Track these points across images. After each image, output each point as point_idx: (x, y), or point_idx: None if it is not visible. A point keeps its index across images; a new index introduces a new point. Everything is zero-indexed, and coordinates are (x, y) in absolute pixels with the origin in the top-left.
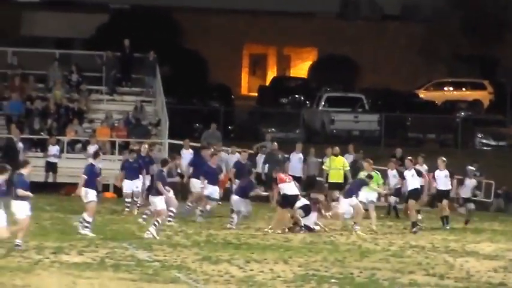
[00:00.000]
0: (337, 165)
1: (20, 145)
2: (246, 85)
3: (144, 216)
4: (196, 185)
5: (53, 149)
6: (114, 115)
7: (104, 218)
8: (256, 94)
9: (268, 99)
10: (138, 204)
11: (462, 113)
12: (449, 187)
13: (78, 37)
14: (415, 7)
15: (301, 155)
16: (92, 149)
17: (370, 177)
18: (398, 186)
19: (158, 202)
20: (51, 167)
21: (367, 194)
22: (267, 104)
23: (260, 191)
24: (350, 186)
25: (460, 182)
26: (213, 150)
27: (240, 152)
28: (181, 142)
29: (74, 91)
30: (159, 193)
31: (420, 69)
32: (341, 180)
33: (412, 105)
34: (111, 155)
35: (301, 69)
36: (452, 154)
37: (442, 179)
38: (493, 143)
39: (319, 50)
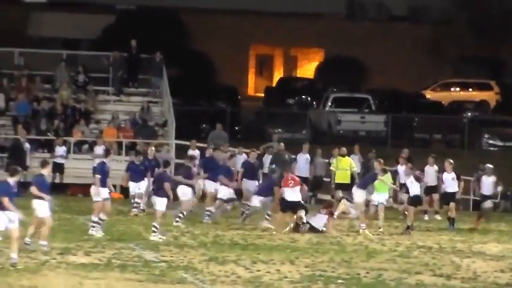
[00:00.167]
0: (344, 166)
1: (27, 146)
2: (253, 86)
3: (177, 219)
4: (210, 186)
5: (60, 150)
6: (120, 116)
7: (111, 219)
8: (262, 95)
9: (274, 99)
10: (141, 207)
11: (469, 114)
12: (456, 189)
13: (85, 38)
14: (422, 8)
15: (308, 156)
16: (98, 149)
17: (384, 171)
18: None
19: (159, 203)
20: (58, 168)
21: (379, 196)
22: (274, 105)
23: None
24: (365, 178)
25: (477, 180)
26: (227, 151)
27: (247, 153)
28: (188, 143)
29: (80, 92)
30: (162, 194)
31: (427, 70)
32: (348, 181)
33: (418, 105)
34: (117, 156)
35: (307, 70)
36: (459, 155)
37: (449, 182)
38: (499, 143)
39: (326, 51)
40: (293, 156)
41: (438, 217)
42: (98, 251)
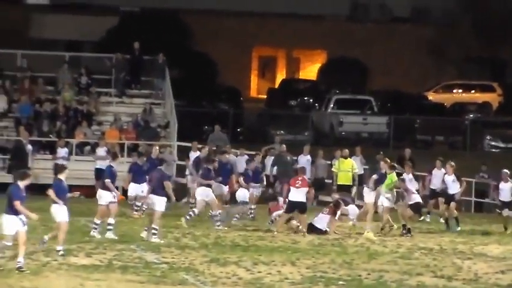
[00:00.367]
0: (345, 168)
1: (29, 147)
2: (255, 87)
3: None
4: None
5: (62, 152)
6: (123, 117)
7: None
8: (265, 96)
9: (277, 101)
10: (143, 208)
11: (471, 115)
12: (457, 191)
13: (88, 40)
14: (425, 9)
15: (309, 157)
16: (100, 151)
17: (393, 167)
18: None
19: (158, 203)
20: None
21: (384, 199)
22: (276, 106)
23: None
24: (377, 178)
25: (495, 187)
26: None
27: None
28: (190, 144)
29: (83, 93)
30: (161, 193)
31: (430, 72)
32: (349, 183)
33: (421, 107)
34: (120, 157)
35: (310, 71)
36: (461, 156)
37: (450, 183)
38: (502, 145)
39: (329, 53)
40: (295, 158)
41: (442, 220)
42: (99, 253)
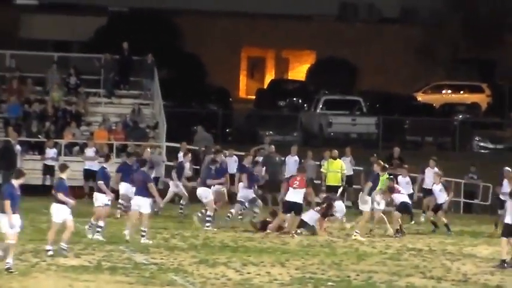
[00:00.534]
0: (335, 168)
1: (18, 148)
2: (244, 88)
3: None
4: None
5: (51, 152)
6: (111, 118)
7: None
8: (254, 97)
9: (266, 102)
10: (123, 208)
11: (460, 116)
12: (444, 200)
13: (77, 40)
14: (413, 10)
15: (296, 158)
16: (89, 151)
17: (384, 169)
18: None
19: (145, 204)
20: (48, 170)
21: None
22: (265, 107)
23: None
24: (372, 180)
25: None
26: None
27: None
28: (179, 145)
29: (72, 94)
30: (146, 195)
31: (419, 72)
32: (338, 183)
33: (410, 108)
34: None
35: (299, 72)
36: (450, 157)
37: (437, 193)
38: (490, 146)
39: (318, 53)
40: (283, 159)
41: (422, 218)
42: (88, 253)
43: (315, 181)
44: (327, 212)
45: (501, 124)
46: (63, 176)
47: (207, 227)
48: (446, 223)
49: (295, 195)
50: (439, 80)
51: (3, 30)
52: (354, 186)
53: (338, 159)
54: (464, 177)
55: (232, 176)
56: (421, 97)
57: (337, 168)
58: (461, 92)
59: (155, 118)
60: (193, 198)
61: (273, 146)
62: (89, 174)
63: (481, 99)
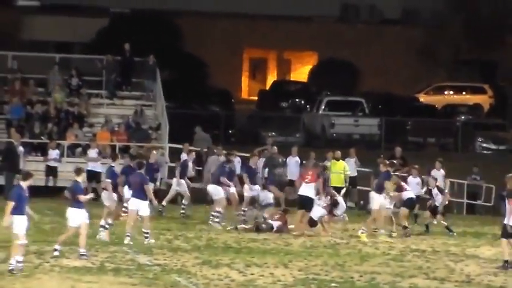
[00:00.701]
0: (338, 169)
1: (21, 149)
2: (246, 89)
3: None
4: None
5: (53, 153)
6: (114, 119)
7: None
8: (256, 98)
9: (268, 103)
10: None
11: (462, 117)
12: (438, 203)
13: (79, 41)
14: (415, 11)
15: (297, 158)
16: (92, 153)
17: (392, 165)
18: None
19: (143, 207)
20: (51, 171)
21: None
22: (267, 108)
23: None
24: (379, 181)
25: None
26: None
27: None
28: (181, 146)
29: (74, 95)
30: (144, 197)
31: (421, 73)
32: (342, 184)
33: (412, 109)
34: (111, 159)
35: (301, 73)
36: (453, 158)
37: (434, 196)
38: (493, 147)
39: (319, 54)
40: (285, 160)
41: (435, 221)
42: (91, 254)
43: None
44: (331, 209)
45: (503, 125)
46: (79, 179)
47: (216, 222)
48: (447, 226)
49: (306, 189)
50: (440, 81)
51: (5, 32)
52: (358, 187)
53: (341, 160)
54: (467, 178)
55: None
56: (423, 98)
57: (340, 169)
58: (464, 93)
59: (157, 119)
60: (195, 199)
61: (275, 147)
62: (91, 176)
63: (483, 100)
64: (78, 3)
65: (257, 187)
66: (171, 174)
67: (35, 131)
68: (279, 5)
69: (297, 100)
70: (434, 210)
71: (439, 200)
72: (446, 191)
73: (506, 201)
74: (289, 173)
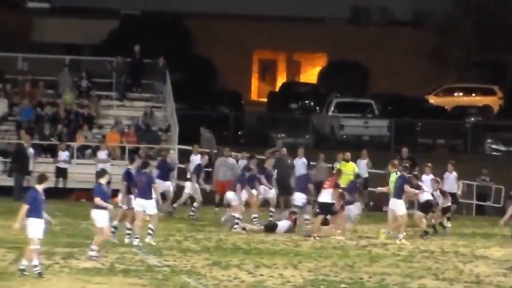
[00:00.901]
0: (347, 171)
1: (31, 151)
2: (256, 91)
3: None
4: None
5: (63, 155)
6: (124, 121)
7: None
8: (266, 100)
9: (277, 104)
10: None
11: (472, 119)
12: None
13: (89, 43)
14: (426, 13)
15: (304, 160)
16: (101, 154)
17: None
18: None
19: (151, 206)
20: (61, 173)
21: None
22: (277, 110)
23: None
24: (398, 185)
25: None
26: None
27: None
28: (191, 148)
29: (84, 97)
30: (150, 197)
31: (431, 75)
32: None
33: (422, 110)
34: (120, 161)
35: (311, 74)
36: (462, 159)
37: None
38: (502, 148)
39: (329, 56)
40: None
41: (448, 224)
42: (101, 256)
43: None
44: (343, 205)
45: None
46: (102, 181)
47: (235, 229)
48: (434, 224)
49: (325, 195)
50: (451, 83)
51: (16, 34)
52: (369, 189)
53: (351, 161)
54: (477, 179)
55: None
56: (433, 100)
57: (350, 170)
58: (473, 94)
59: (167, 121)
60: (204, 201)
61: (284, 149)
62: None
63: (493, 101)
64: (89, 5)
65: (272, 189)
66: (180, 176)
67: (45, 132)
68: (289, 7)
69: (307, 102)
70: (444, 210)
71: (440, 202)
72: (459, 192)
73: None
74: (297, 174)
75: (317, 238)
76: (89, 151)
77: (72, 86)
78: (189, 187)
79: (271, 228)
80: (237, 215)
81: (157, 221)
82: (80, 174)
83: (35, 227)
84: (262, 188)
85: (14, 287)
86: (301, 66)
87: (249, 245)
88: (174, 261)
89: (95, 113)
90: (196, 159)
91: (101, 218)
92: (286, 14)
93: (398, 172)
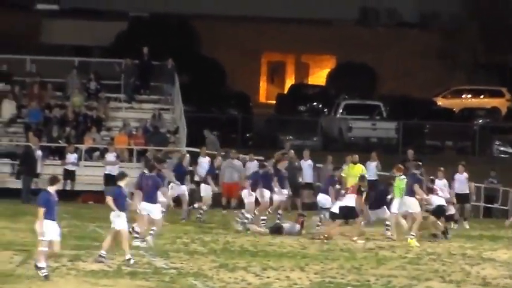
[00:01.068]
0: (355, 173)
1: (39, 153)
2: (264, 93)
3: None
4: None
5: (71, 157)
6: (132, 123)
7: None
8: (274, 102)
9: (286, 107)
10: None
11: (480, 121)
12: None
13: (97, 45)
14: (433, 15)
15: (310, 162)
16: (110, 156)
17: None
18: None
19: (155, 210)
20: (69, 175)
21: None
22: (285, 112)
23: None
24: (409, 184)
25: None
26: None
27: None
28: (199, 150)
29: (92, 99)
30: (155, 201)
31: (438, 77)
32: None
33: (430, 112)
34: (129, 163)
35: (319, 76)
36: (470, 162)
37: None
38: (510, 150)
39: (338, 58)
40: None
41: (467, 225)
42: (108, 258)
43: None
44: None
45: None
46: (122, 183)
47: (240, 227)
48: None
49: (348, 200)
50: (459, 85)
51: (24, 35)
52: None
53: (359, 164)
54: (484, 181)
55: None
56: (441, 102)
57: (358, 172)
58: (481, 96)
59: (175, 123)
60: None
61: (292, 151)
62: (109, 179)
63: (501, 103)
64: (97, 7)
65: (285, 191)
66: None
67: (53, 134)
68: (297, 9)
69: (315, 104)
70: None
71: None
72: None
73: None
74: (304, 176)
75: (325, 240)
76: (97, 153)
77: (81, 88)
78: (207, 189)
79: (276, 230)
80: (247, 214)
81: (161, 227)
82: (88, 176)
83: (48, 229)
84: (276, 190)
85: None
86: (310, 68)
87: (256, 247)
88: (181, 263)
89: (103, 115)
90: (204, 161)
91: (120, 219)
92: (294, 16)
93: (402, 176)
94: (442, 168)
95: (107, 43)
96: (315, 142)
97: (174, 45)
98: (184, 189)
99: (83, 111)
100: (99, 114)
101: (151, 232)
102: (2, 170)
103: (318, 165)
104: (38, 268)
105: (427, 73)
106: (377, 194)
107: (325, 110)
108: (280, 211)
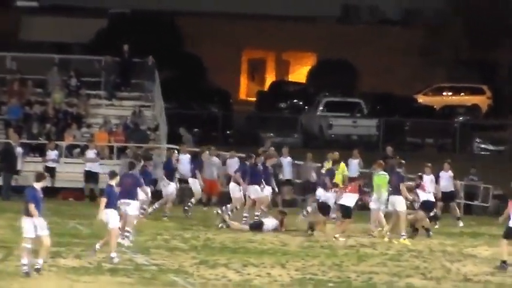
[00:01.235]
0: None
1: (19, 150)
2: (245, 90)
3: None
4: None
5: (52, 154)
6: (112, 120)
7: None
8: (254, 99)
9: (266, 104)
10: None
11: (460, 118)
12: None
13: (77, 42)
14: (415, 11)
15: (289, 159)
16: (90, 153)
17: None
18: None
19: (133, 207)
20: (49, 172)
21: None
22: (266, 109)
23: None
24: (393, 183)
25: None
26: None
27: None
28: (179, 147)
29: (72, 96)
30: (134, 197)
31: (420, 74)
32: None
33: (410, 110)
34: (109, 160)
35: (300, 74)
36: (451, 159)
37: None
38: (491, 147)
39: (319, 55)
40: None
41: (460, 223)
42: (88, 255)
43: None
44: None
45: (501, 126)
46: (112, 182)
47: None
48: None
49: (347, 198)
50: (440, 82)
51: (4, 33)
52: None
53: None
54: (465, 178)
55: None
56: (421, 99)
57: (340, 170)
58: (462, 94)
59: (156, 120)
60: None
61: (272, 148)
62: (89, 176)
63: (482, 101)
64: (77, 4)
65: (269, 188)
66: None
67: (33, 131)
68: (278, 6)
69: (295, 101)
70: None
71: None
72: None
73: (510, 202)
74: (284, 173)
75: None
76: (78, 150)
77: (61, 84)
78: (193, 183)
79: (256, 226)
80: (230, 207)
81: (134, 222)
82: (68, 173)
83: (35, 225)
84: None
85: (2, 286)
86: (290, 66)
87: (236, 244)
88: (162, 260)
89: (83, 112)
90: (184, 158)
91: (114, 217)
92: (275, 13)
93: (381, 172)
94: (429, 164)
95: (87, 40)
96: (295, 139)
97: (154, 41)
98: (172, 189)
99: (63, 108)
100: (79, 111)
101: (127, 234)
102: None
103: (297, 162)
104: (36, 268)
105: (408, 70)
106: None
107: (305, 107)
108: (264, 207)
